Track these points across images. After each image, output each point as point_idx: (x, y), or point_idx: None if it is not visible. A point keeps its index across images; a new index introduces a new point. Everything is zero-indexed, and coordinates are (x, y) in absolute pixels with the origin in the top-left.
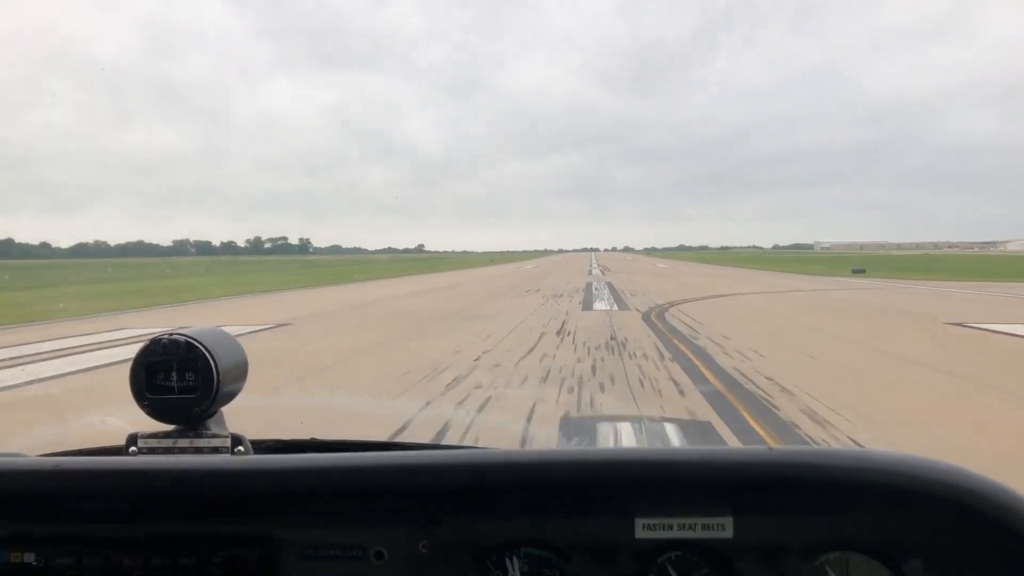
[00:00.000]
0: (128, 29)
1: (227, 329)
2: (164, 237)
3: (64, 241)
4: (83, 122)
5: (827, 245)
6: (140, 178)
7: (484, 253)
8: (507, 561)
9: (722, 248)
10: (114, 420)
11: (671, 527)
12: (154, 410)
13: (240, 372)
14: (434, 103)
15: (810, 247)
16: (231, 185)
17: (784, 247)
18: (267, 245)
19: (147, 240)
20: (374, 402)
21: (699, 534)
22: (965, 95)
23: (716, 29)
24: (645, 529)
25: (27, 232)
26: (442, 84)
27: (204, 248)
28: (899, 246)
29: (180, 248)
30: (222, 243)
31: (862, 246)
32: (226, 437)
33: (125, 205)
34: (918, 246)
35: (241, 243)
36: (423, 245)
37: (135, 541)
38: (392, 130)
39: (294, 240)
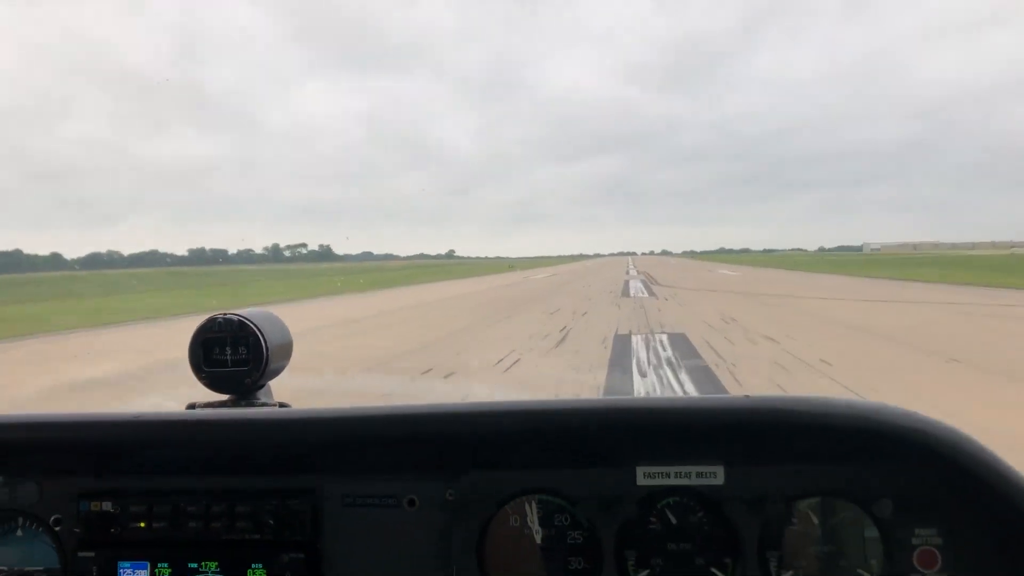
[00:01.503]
0: (158, 37)
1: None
2: (179, 246)
3: (77, 252)
4: (116, 133)
5: (877, 247)
6: (172, 188)
7: (517, 259)
8: (525, 506)
9: (765, 251)
10: (169, 401)
11: (668, 475)
12: (211, 381)
13: (286, 350)
14: (467, 105)
15: (858, 249)
16: (262, 193)
17: (830, 249)
18: (287, 253)
19: (161, 249)
20: (411, 382)
21: (694, 481)
22: (1022, 88)
23: (761, 21)
24: (645, 477)
25: (63, 246)
26: (476, 86)
27: (221, 256)
28: (954, 246)
29: (196, 257)
30: (239, 251)
31: (915, 246)
32: (274, 405)
33: (157, 216)
34: (974, 246)
35: (259, 250)
36: (453, 251)
37: (197, 492)
38: (425, 135)
39: (314, 246)
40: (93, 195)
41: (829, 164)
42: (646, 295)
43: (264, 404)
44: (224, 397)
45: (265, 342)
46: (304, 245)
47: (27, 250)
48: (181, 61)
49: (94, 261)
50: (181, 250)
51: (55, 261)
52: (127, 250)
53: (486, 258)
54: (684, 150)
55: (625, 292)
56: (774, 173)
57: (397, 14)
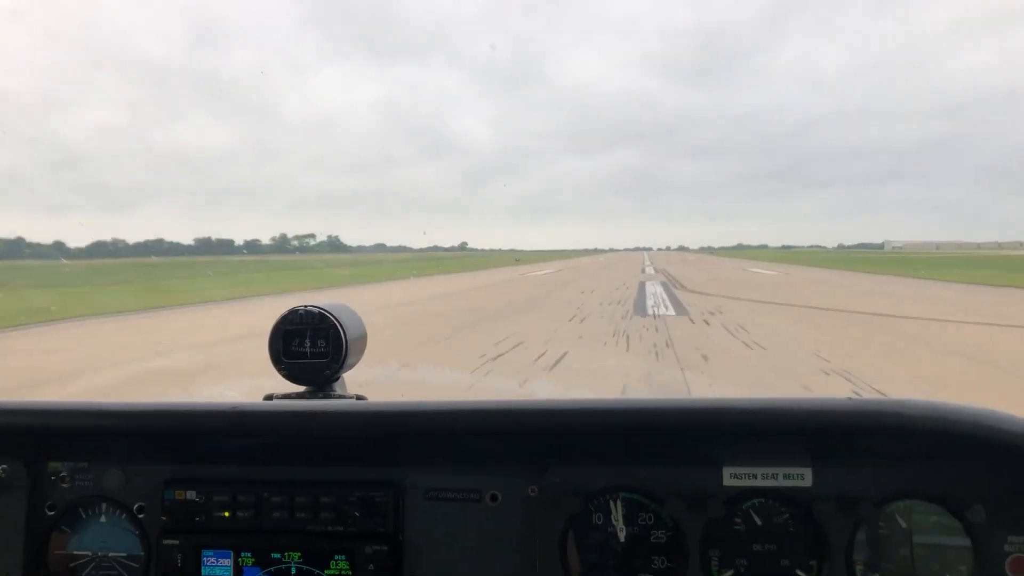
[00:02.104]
0: (174, 23)
1: None
2: (186, 235)
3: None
4: (133, 119)
5: (899, 245)
6: (189, 176)
7: (530, 252)
8: (610, 503)
9: (783, 247)
10: (232, 391)
11: (755, 476)
12: (290, 372)
13: (362, 343)
14: (485, 95)
15: (879, 247)
16: (277, 181)
17: (849, 247)
18: (294, 243)
19: (167, 239)
20: (477, 378)
21: (780, 483)
22: None
23: (789, 12)
24: (732, 478)
25: (74, 233)
26: (494, 76)
27: (226, 247)
28: (979, 246)
29: (203, 246)
30: (245, 241)
31: (938, 245)
32: (351, 397)
33: (170, 204)
34: (1000, 246)
35: (266, 241)
36: (466, 243)
37: (282, 483)
38: (442, 126)
39: (322, 237)
40: (109, 182)
41: (850, 160)
42: (671, 311)
43: (341, 396)
44: (300, 388)
45: (345, 335)
46: (312, 236)
47: (33, 238)
48: (197, 48)
49: (99, 250)
50: (187, 239)
51: (59, 249)
52: (132, 239)
53: (500, 250)
54: (703, 144)
55: (640, 304)
56: (794, 169)
57: (415, 2)
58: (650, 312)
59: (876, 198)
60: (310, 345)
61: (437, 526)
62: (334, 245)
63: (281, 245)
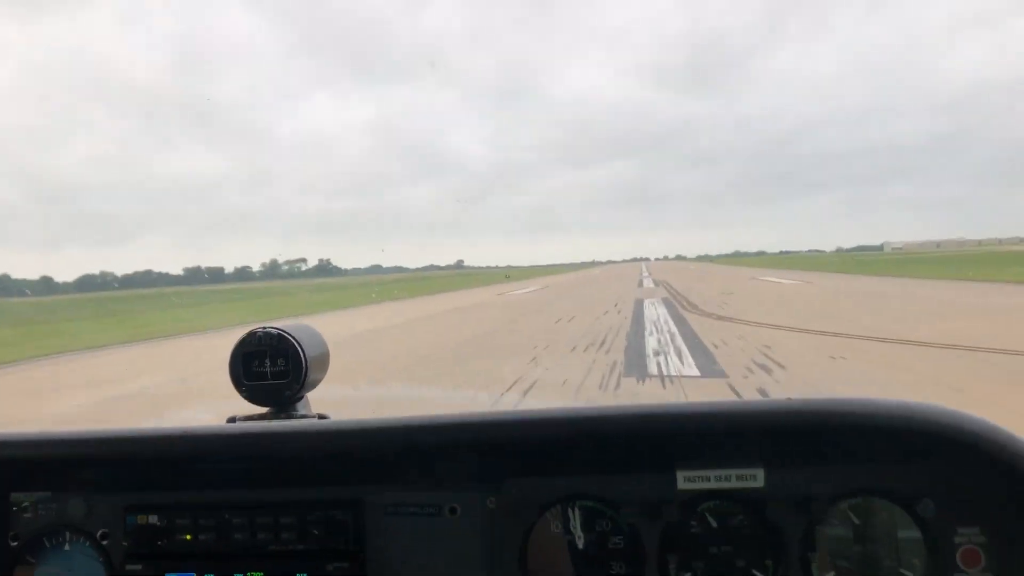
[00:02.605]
0: (161, 50)
1: None
2: (177, 266)
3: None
4: (123, 149)
5: (898, 245)
6: (182, 205)
7: (528, 267)
8: (568, 511)
9: (781, 252)
10: (203, 414)
11: (708, 479)
12: (251, 394)
13: (324, 361)
14: (479, 112)
15: (878, 248)
16: (271, 207)
17: (848, 249)
18: (284, 268)
19: (156, 269)
20: (446, 392)
21: (734, 484)
22: None
23: (785, 14)
24: (686, 481)
25: (77, 267)
26: (487, 92)
27: (216, 276)
28: (980, 243)
29: (192, 277)
30: (236, 268)
31: (938, 244)
32: (313, 417)
33: (168, 234)
34: (1000, 242)
35: (256, 267)
36: (462, 261)
37: (242, 505)
38: (436, 144)
39: (314, 261)
40: (102, 214)
41: (846, 162)
42: (690, 364)
43: (303, 416)
44: (264, 410)
45: (304, 354)
46: (303, 260)
47: (20, 274)
48: (185, 74)
49: (87, 283)
50: (176, 270)
51: (46, 284)
52: (124, 271)
53: (497, 267)
54: (700, 152)
55: (635, 345)
56: (790, 173)
57: (405, 21)
58: (654, 365)
59: (874, 199)
60: (270, 366)
61: (398, 541)
62: (325, 269)
63: (272, 271)
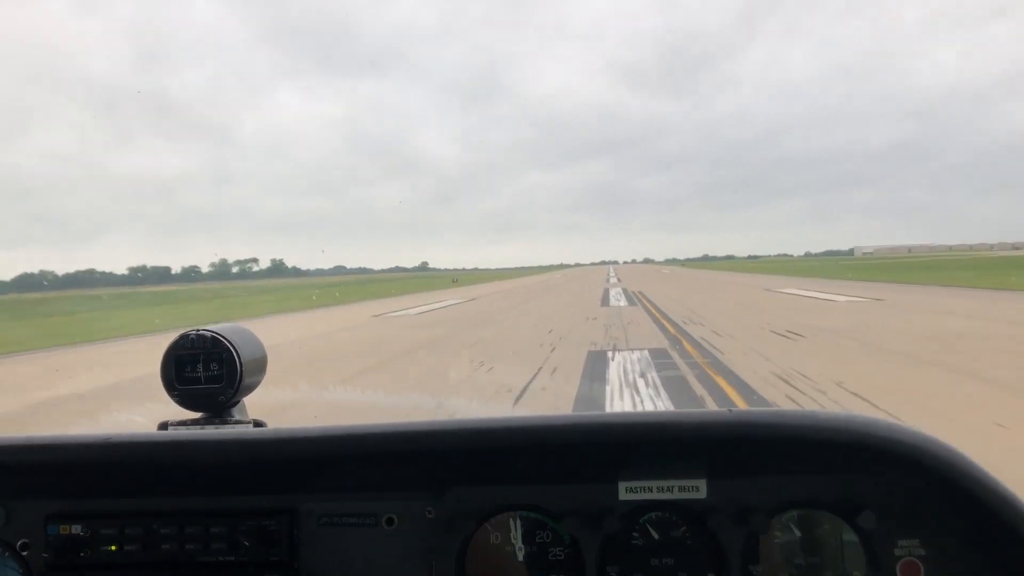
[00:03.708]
0: (119, 41)
1: None
2: (118, 264)
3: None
4: (82, 145)
5: (869, 250)
6: (142, 203)
7: (496, 270)
8: (508, 522)
9: (750, 257)
10: (140, 418)
11: (651, 489)
12: (183, 399)
13: (260, 365)
14: (448, 110)
15: (848, 253)
16: (235, 206)
17: (817, 254)
18: (235, 269)
19: (99, 268)
20: (389, 397)
21: (676, 495)
22: (1020, 84)
23: (760, 15)
24: (628, 492)
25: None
26: (457, 89)
27: (163, 275)
28: (950, 248)
29: (136, 276)
30: (183, 268)
31: (910, 249)
32: (248, 423)
33: (126, 233)
34: (971, 248)
35: (205, 268)
36: (427, 263)
37: (171, 513)
38: (404, 142)
39: (266, 262)
40: (61, 212)
41: (817, 167)
42: None
43: (238, 422)
44: (197, 415)
45: (239, 358)
46: (255, 261)
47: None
48: (145, 67)
49: (25, 283)
50: (121, 269)
51: None
52: (61, 270)
53: (463, 269)
54: (670, 154)
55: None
56: (760, 177)
57: (371, 11)
58: None
59: (843, 204)
60: (203, 370)
61: (333, 553)
62: (279, 270)
63: (222, 271)
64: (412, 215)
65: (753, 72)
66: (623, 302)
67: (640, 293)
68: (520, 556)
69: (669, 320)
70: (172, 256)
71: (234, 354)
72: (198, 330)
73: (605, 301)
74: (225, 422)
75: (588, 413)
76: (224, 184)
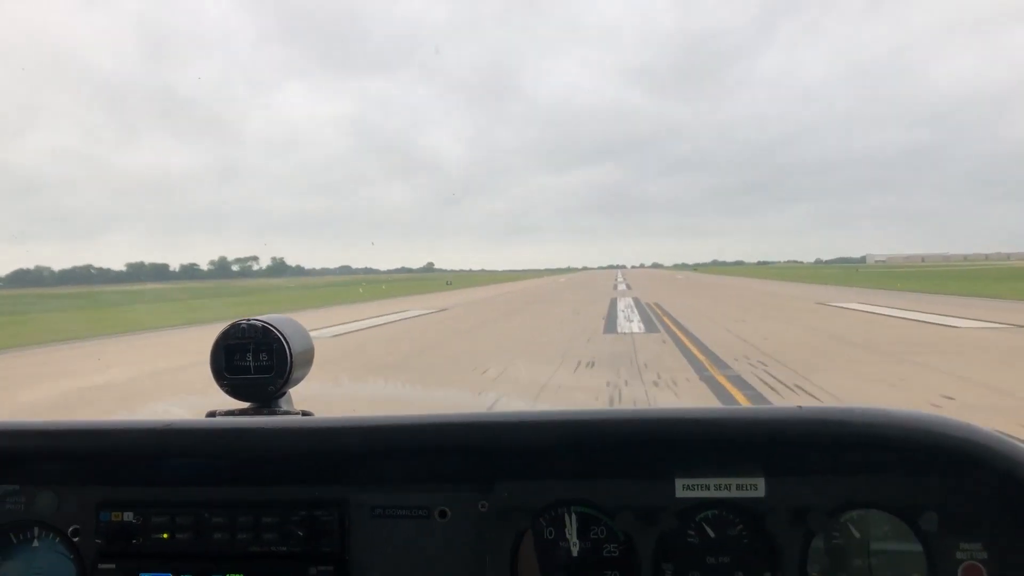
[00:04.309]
0: (125, 36)
1: None
2: (118, 261)
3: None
4: (88, 142)
5: (882, 258)
6: (148, 200)
7: (502, 272)
8: (564, 517)
9: (760, 263)
10: (177, 408)
11: (708, 487)
12: (232, 388)
13: (308, 356)
14: (458, 110)
15: (860, 260)
16: (242, 204)
17: (828, 261)
18: (235, 267)
19: (96, 264)
20: (429, 392)
21: (733, 494)
22: None
23: (776, 16)
24: (684, 489)
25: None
26: (467, 88)
27: (161, 272)
28: (965, 257)
29: (133, 273)
30: (182, 266)
31: (923, 258)
32: (296, 414)
33: (133, 230)
34: (987, 257)
35: (204, 266)
36: (432, 264)
37: (222, 503)
38: (413, 142)
39: (267, 260)
40: (67, 209)
41: (830, 172)
42: None
43: (286, 412)
44: (245, 405)
45: (289, 348)
46: (255, 259)
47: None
48: (150, 61)
49: (20, 279)
50: (119, 266)
51: None
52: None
53: (469, 271)
54: (681, 158)
55: None
56: (772, 182)
57: (382, 7)
58: None
59: (855, 210)
60: (253, 360)
61: (384, 544)
62: (279, 268)
63: (221, 269)
64: (419, 215)
65: (769, 75)
66: (637, 323)
67: (657, 307)
68: (574, 552)
69: (724, 370)
70: (171, 253)
71: (284, 344)
72: (249, 320)
73: (611, 321)
74: (273, 412)
75: (645, 408)
76: (230, 182)
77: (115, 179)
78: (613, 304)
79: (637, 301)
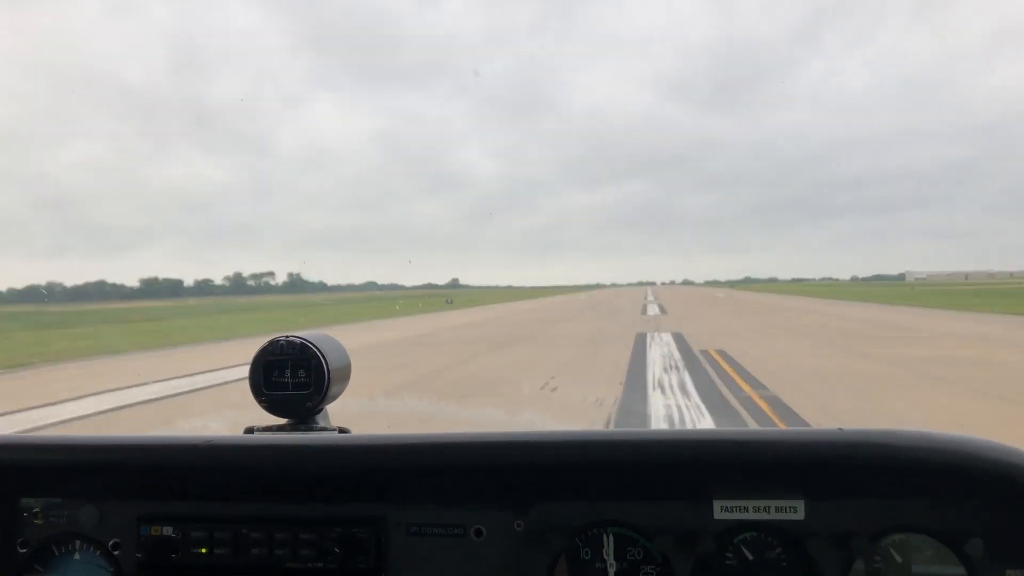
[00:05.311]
0: (156, 50)
1: None
2: (132, 277)
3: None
4: (119, 154)
5: (922, 276)
6: (179, 214)
7: (531, 288)
8: (603, 538)
9: (794, 280)
10: (214, 423)
11: (747, 509)
12: (271, 404)
13: (345, 373)
14: (490, 125)
15: (899, 278)
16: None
17: (865, 279)
18: (250, 283)
19: (109, 280)
20: (462, 409)
21: (772, 516)
22: None
23: (819, 26)
24: (723, 511)
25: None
26: (499, 102)
27: (176, 288)
28: (1012, 275)
29: (148, 289)
30: (196, 281)
31: (967, 276)
32: (333, 430)
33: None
34: None
35: (218, 280)
36: (457, 280)
37: (260, 519)
38: (443, 157)
39: (283, 276)
40: (98, 222)
41: (869, 187)
42: None
43: (323, 429)
44: (282, 421)
45: (327, 365)
46: (271, 274)
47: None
48: (181, 74)
49: (31, 295)
50: (132, 281)
51: None
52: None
53: (496, 287)
54: (716, 173)
55: None
56: (810, 197)
57: (413, 22)
58: None
59: (894, 227)
60: (291, 376)
61: (421, 562)
62: (296, 284)
63: (237, 285)
64: (448, 231)
65: (809, 87)
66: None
67: (725, 361)
68: (611, 573)
69: None
70: (185, 268)
71: (322, 361)
72: (288, 336)
73: (635, 380)
74: (310, 428)
75: (684, 429)
76: (258, 195)
77: (143, 193)
78: (641, 343)
79: (679, 337)
